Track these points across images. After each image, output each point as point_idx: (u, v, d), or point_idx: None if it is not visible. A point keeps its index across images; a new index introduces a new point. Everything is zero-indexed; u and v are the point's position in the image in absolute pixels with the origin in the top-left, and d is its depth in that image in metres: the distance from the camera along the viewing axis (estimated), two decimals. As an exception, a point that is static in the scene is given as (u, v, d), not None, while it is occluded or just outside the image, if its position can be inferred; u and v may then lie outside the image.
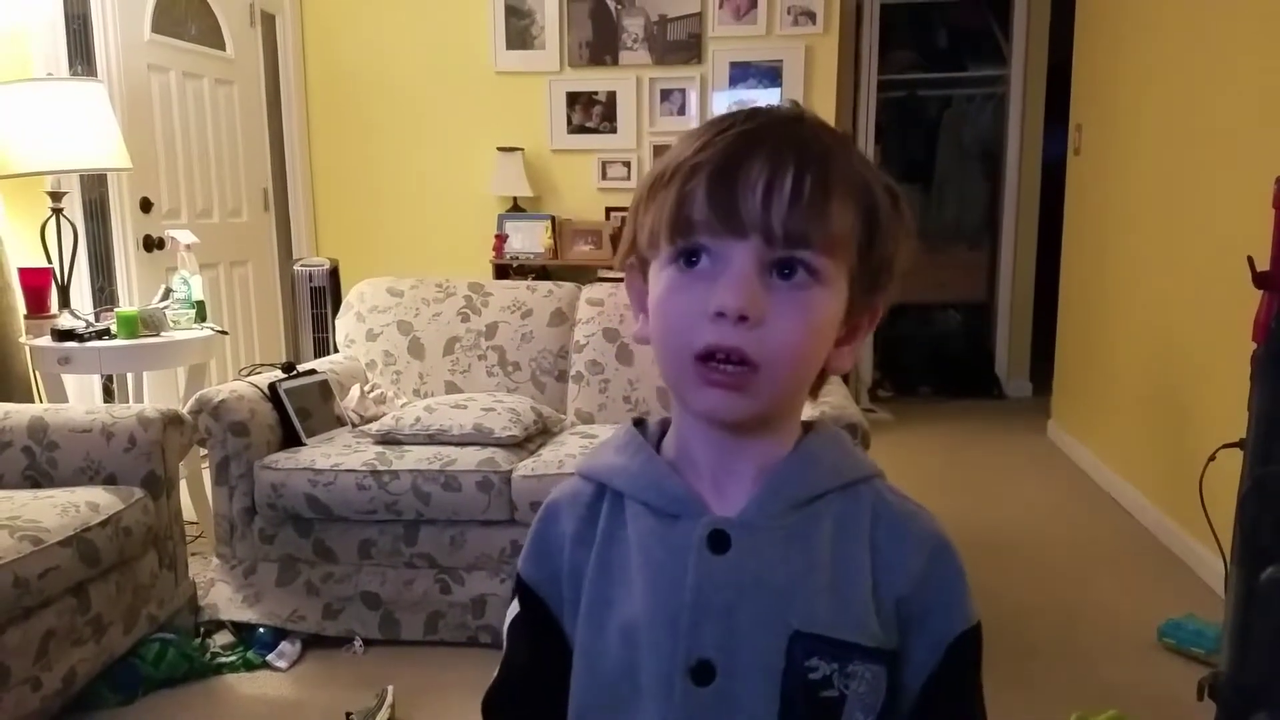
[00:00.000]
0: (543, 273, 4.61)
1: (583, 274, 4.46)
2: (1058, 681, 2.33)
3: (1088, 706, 2.09)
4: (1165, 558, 3.15)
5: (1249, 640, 1.79)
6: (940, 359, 6.00)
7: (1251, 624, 1.78)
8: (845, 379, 4.74)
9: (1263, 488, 1.75)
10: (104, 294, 3.65)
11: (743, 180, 0.66)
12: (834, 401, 2.48)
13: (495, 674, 0.81)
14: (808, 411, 0.77)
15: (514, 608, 0.80)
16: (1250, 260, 1.75)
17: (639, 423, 0.78)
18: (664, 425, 0.77)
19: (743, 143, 0.67)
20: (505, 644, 0.81)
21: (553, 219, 4.74)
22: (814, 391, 0.76)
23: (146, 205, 3.80)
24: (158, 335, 3.04)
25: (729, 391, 0.67)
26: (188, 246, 3.28)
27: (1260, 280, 1.76)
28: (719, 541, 0.70)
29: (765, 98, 4.50)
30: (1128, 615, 2.68)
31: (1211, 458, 1.93)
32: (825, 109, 4.58)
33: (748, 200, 0.65)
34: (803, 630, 0.68)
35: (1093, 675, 2.37)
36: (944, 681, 0.71)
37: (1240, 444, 1.83)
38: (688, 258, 0.68)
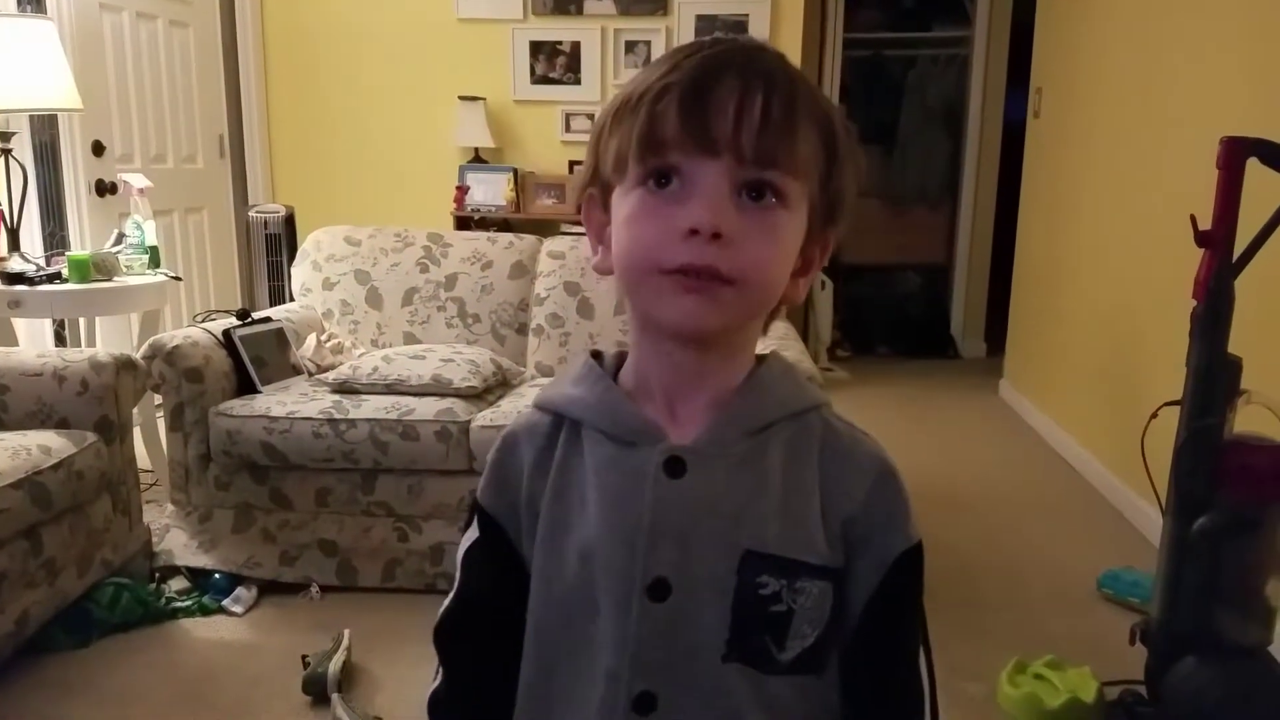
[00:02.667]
0: (504, 226, 4.59)
1: (545, 228, 4.44)
2: (1000, 630, 2.40)
3: (1027, 653, 2.15)
4: (1108, 512, 3.24)
5: (1179, 588, 1.86)
6: (898, 320, 6.07)
7: (1182, 572, 1.85)
8: (805, 338, 4.78)
9: (1197, 441, 1.81)
10: (55, 238, 3.59)
11: (714, 100, 0.66)
12: (790, 356, 2.51)
13: (447, 601, 0.83)
14: (761, 347, 0.79)
15: (471, 534, 0.81)
16: (1193, 219, 1.79)
17: (596, 355, 0.80)
18: (620, 358, 0.79)
19: (712, 65, 0.68)
20: (460, 570, 0.82)
21: (515, 171, 4.70)
22: (765, 326, 0.77)
23: (99, 149, 3.72)
24: (110, 280, 3.00)
25: (700, 298, 0.67)
26: (141, 191, 3.23)
27: (1202, 239, 1.80)
28: (675, 467, 0.72)
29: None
30: (1070, 566, 2.76)
31: (1154, 415, 1.98)
32: None
33: (720, 119, 0.66)
34: (753, 550, 0.71)
35: (1034, 624, 2.44)
36: (886, 597, 0.74)
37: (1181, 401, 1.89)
38: (659, 178, 0.68)
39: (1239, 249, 1.81)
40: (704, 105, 0.67)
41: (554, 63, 4.73)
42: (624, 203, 0.71)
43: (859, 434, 0.77)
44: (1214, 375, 1.82)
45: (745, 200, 0.68)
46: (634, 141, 0.69)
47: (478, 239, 3.22)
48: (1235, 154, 1.79)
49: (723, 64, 0.68)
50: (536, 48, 4.71)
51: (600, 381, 0.77)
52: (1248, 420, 1.84)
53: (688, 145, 0.67)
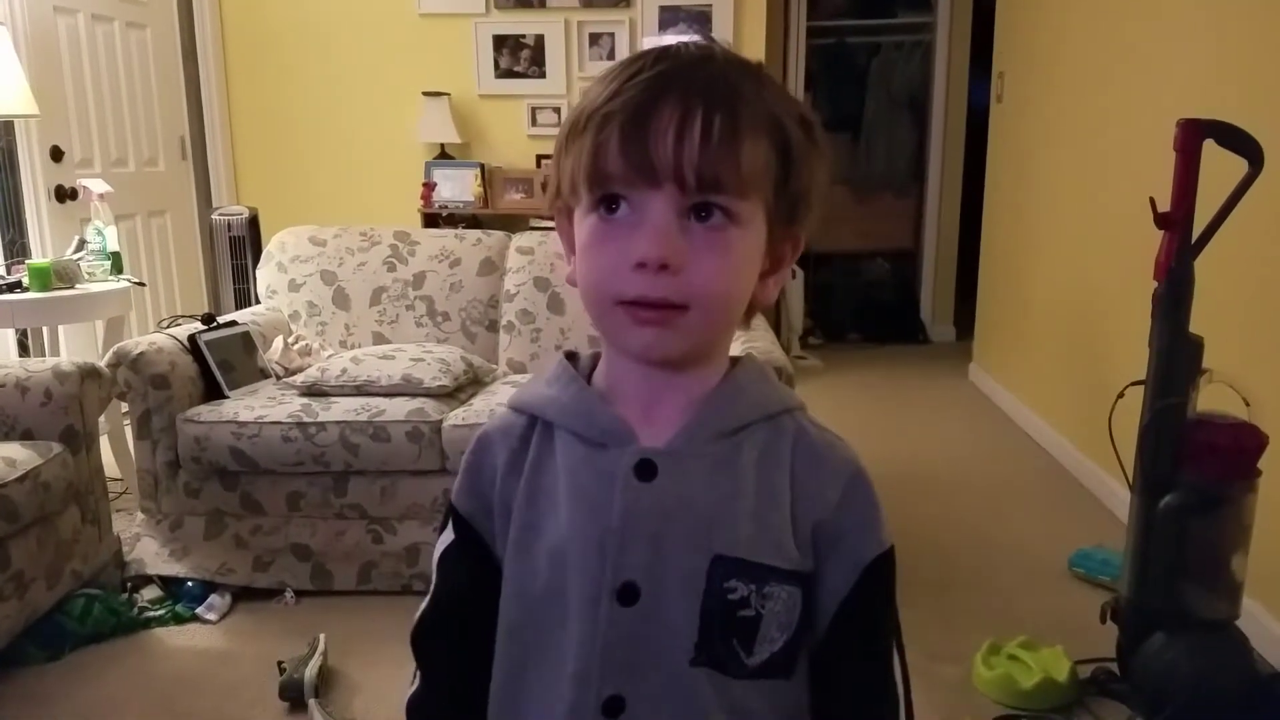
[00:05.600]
0: (473, 222, 4.57)
1: (514, 223, 4.43)
2: (973, 611, 2.42)
3: (1001, 634, 2.18)
4: (1078, 491, 3.28)
5: (1148, 566, 1.88)
6: (868, 306, 6.11)
7: (1150, 550, 1.87)
8: (776, 328, 4.80)
9: (1161, 420, 1.83)
10: (15, 246, 3.54)
11: (653, 129, 0.66)
12: (760, 347, 2.51)
13: (423, 604, 0.82)
14: (736, 348, 0.79)
15: (446, 536, 0.81)
16: (1152, 201, 1.81)
17: (571, 355, 0.80)
18: (596, 358, 0.79)
19: (652, 89, 0.68)
20: (436, 573, 0.82)
21: (482, 167, 4.68)
22: (745, 320, 0.77)
23: (57, 154, 3.67)
24: (72, 288, 2.96)
25: (658, 329, 0.68)
26: (101, 196, 3.19)
27: (1161, 221, 1.82)
28: (646, 470, 0.72)
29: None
30: (1041, 546, 2.79)
31: (1120, 395, 2.00)
32: (754, 55, 4.48)
33: (659, 149, 0.66)
34: (724, 554, 0.71)
35: (1006, 604, 2.47)
36: (858, 602, 0.74)
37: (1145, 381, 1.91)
38: (608, 205, 0.69)
39: (1198, 230, 1.83)
40: (643, 135, 0.66)
41: (518, 56, 4.70)
42: (582, 227, 0.71)
43: (832, 437, 0.77)
44: (1176, 355, 1.84)
45: (694, 222, 0.68)
46: (582, 171, 0.69)
47: (445, 236, 3.20)
48: (1192, 136, 1.81)
49: (663, 86, 0.67)
50: (500, 41, 4.68)
51: (574, 383, 0.77)
52: (1211, 398, 1.87)
53: (630, 177, 0.67)
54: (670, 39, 0.73)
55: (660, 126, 0.66)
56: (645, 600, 0.71)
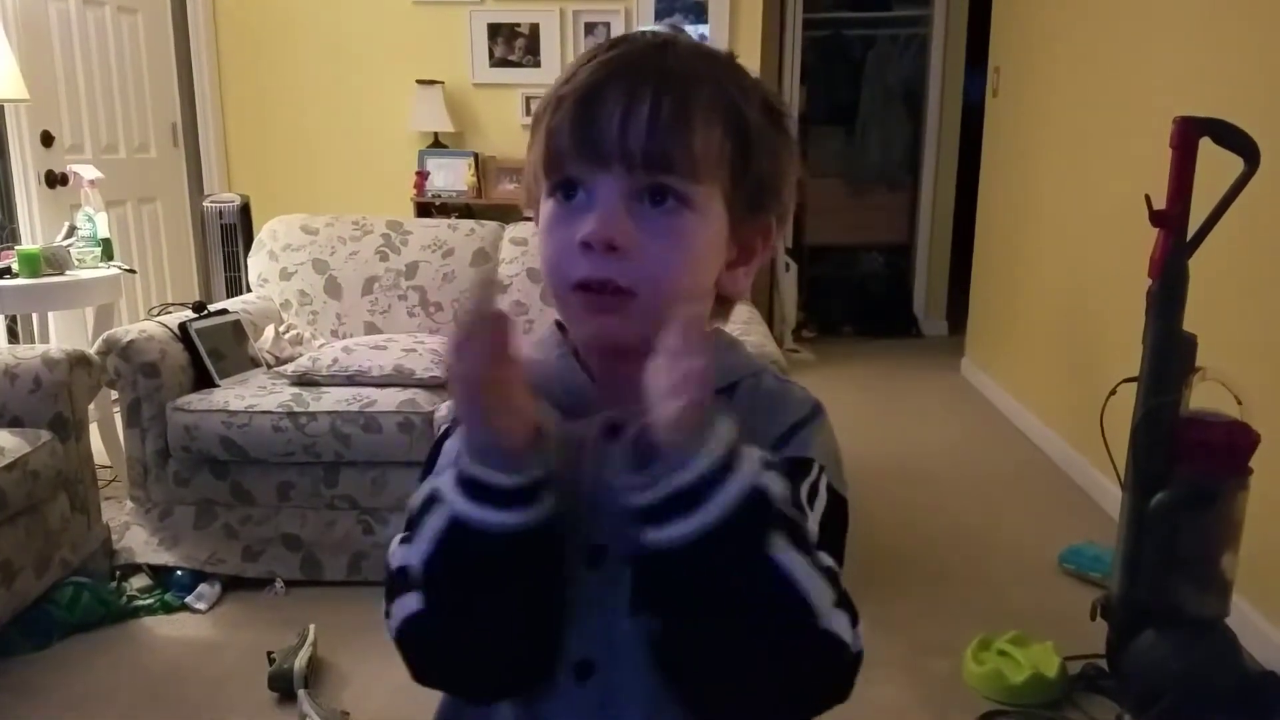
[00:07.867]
0: (466, 211, 4.55)
1: (508, 213, 4.40)
2: (963, 606, 2.43)
3: (991, 629, 2.18)
4: (1069, 487, 3.29)
5: (1138, 563, 1.88)
6: (862, 300, 6.11)
7: (1141, 547, 1.87)
8: (769, 321, 4.79)
9: (1153, 418, 1.83)
10: (4, 232, 3.51)
11: (601, 109, 0.67)
12: (754, 340, 2.51)
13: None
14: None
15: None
16: (1147, 199, 1.80)
17: (561, 326, 0.79)
18: None
19: (603, 71, 0.68)
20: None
21: (476, 156, 4.66)
22: (723, 313, 0.77)
23: (48, 139, 3.64)
24: (62, 274, 2.94)
25: (610, 317, 0.68)
26: (91, 182, 3.17)
27: (1156, 219, 1.82)
28: (614, 432, 0.70)
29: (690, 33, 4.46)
30: (1032, 542, 2.79)
31: (1113, 392, 2.01)
32: (750, 47, 4.55)
33: (606, 128, 0.66)
34: None
35: (997, 600, 2.47)
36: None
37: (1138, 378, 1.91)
38: (565, 191, 0.69)
39: (1193, 228, 1.83)
40: (592, 116, 0.67)
41: (513, 45, 4.68)
42: (541, 213, 0.72)
43: (788, 386, 0.76)
44: (1169, 352, 1.84)
45: (647, 206, 0.68)
46: (539, 158, 0.70)
47: (438, 226, 3.19)
48: (1188, 133, 1.81)
49: (615, 70, 0.68)
50: (495, 30, 4.65)
51: (558, 349, 0.77)
52: (1203, 396, 1.87)
53: (580, 158, 0.68)
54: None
55: (608, 106, 0.67)
56: (610, 562, 0.70)
